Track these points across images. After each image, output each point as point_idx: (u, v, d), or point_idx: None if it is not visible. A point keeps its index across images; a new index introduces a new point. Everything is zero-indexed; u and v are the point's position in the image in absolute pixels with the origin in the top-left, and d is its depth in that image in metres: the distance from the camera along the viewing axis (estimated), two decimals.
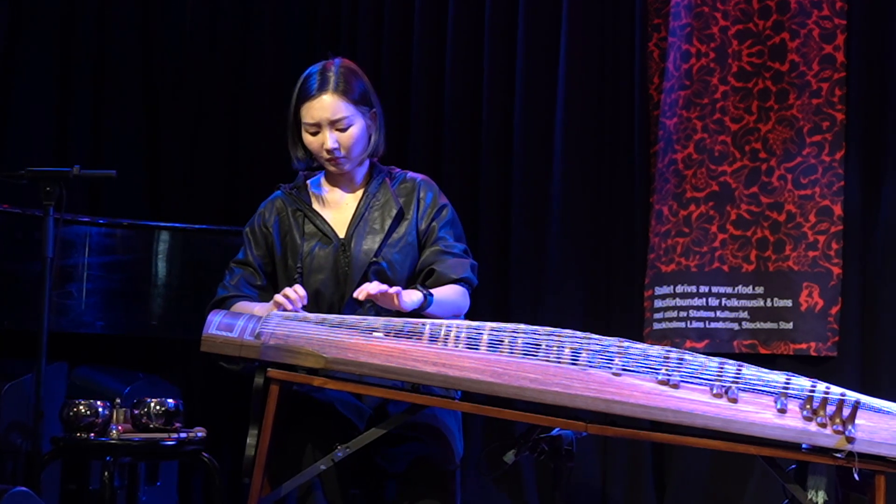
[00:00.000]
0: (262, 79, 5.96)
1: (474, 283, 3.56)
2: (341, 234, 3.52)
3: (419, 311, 3.32)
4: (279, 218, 3.56)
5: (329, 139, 3.46)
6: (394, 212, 3.52)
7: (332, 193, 3.60)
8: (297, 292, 3.26)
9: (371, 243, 3.49)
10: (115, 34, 5.93)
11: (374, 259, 3.46)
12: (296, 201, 3.56)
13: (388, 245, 3.50)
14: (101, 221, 4.89)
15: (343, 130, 3.48)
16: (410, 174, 3.64)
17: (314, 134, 3.49)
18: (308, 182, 3.62)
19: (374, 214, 3.53)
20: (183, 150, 5.96)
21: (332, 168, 3.53)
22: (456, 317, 3.44)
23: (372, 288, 3.23)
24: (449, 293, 3.45)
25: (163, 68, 6.00)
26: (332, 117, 3.46)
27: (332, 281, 3.46)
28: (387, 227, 3.51)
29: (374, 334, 3.07)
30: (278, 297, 3.25)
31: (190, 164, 5.95)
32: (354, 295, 3.26)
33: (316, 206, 3.57)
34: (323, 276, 3.45)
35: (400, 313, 3.27)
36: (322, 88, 3.47)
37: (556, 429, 3.15)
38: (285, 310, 3.21)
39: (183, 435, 4.27)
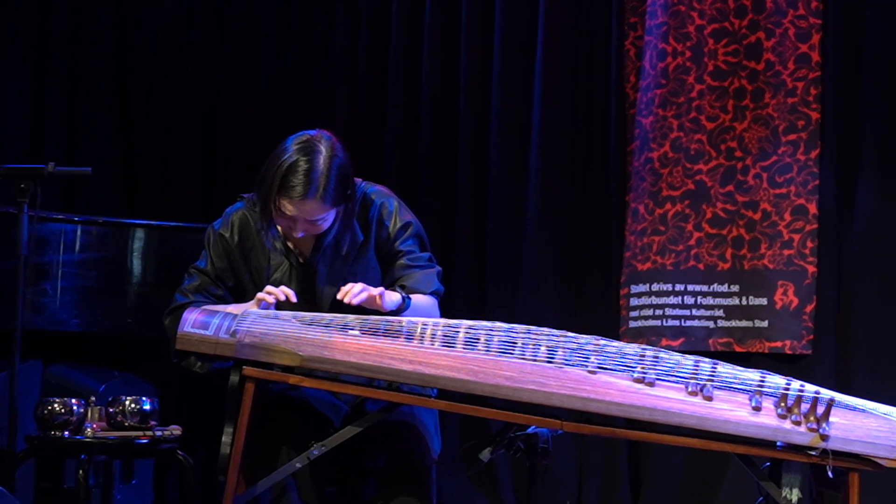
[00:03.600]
0: (237, 76, 5.95)
1: (442, 292, 3.56)
2: (305, 259, 3.49)
3: (396, 314, 3.32)
4: (241, 236, 3.51)
5: (299, 231, 3.39)
6: (357, 241, 3.48)
7: None
8: (285, 293, 3.25)
9: (335, 271, 3.45)
10: (91, 31, 5.90)
11: (339, 287, 3.38)
12: (259, 220, 3.48)
13: (353, 273, 3.46)
14: (76, 219, 4.87)
15: (315, 225, 3.39)
16: (371, 189, 3.56)
17: (284, 218, 3.37)
18: None
19: (337, 241, 3.47)
20: (158, 147, 5.93)
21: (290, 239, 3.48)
22: None
23: (356, 290, 3.23)
24: (423, 301, 3.46)
25: (138, 66, 5.97)
26: (309, 218, 3.36)
27: (300, 306, 3.40)
28: (350, 256, 3.48)
29: (350, 332, 3.07)
30: (261, 295, 3.25)
31: (165, 162, 5.93)
32: (338, 297, 3.25)
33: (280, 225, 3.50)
34: (289, 301, 3.41)
35: (377, 311, 3.27)
36: (307, 195, 3.31)
37: (532, 427, 3.15)
38: (266, 303, 3.21)
39: (158, 433, 4.26)
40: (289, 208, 3.33)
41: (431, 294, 3.50)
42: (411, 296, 3.40)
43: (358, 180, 3.53)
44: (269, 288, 3.27)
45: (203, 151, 5.95)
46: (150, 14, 5.98)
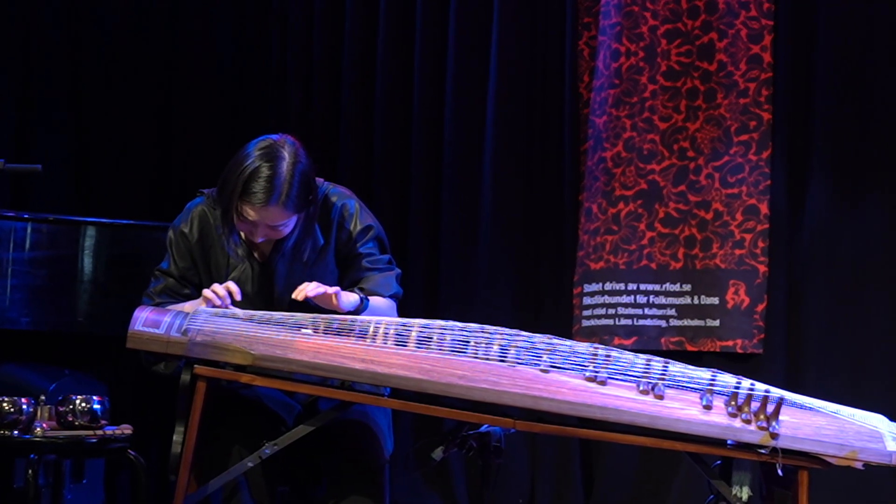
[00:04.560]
0: (191, 73, 5.92)
1: (401, 295, 3.55)
2: (263, 258, 3.47)
3: (354, 315, 3.31)
4: (202, 233, 3.49)
5: (259, 236, 3.37)
6: (318, 244, 3.47)
7: None
8: (228, 289, 3.24)
9: (294, 274, 3.44)
10: (42, 26, 5.85)
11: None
12: (218, 218, 3.45)
13: (312, 275, 3.44)
14: (25, 216, 4.82)
15: (276, 230, 3.37)
16: (333, 190, 3.54)
17: (245, 223, 3.35)
18: None
19: (297, 244, 3.45)
20: (112, 143, 5.89)
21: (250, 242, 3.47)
22: None
23: (310, 288, 3.22)
24: (381, 303, 3.46)
25: (91, 62, 5.93)
26: (270, 224, 3.33)
27: (257, 306, 3.39)
28: (310, 261, 3.47)
29: (303, 331, 3.06)
30: (207, 293, 3.23)
31: (119, 159, 5.89)
32: (293, 296, 3.24)
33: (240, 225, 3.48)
34: (247, 302, 3.39)
35: (333, 312, 3.26)
36: (269, 201, 3.27)
37: (485, 425, 3.15)
38: (214, 305, 3.19)
39: (108, 432, 4.23)
40: (251, 214, 3.30)
41: (390, 297, 3.50)
42: (370, 298, 3.40)
43: (319, 180, 3.50)
44: (214, 286, 3.24)
45: (157, 149, 5.92)
46: (103, 7, 5.93)
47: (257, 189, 3.26)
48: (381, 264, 3.52)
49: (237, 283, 3.40)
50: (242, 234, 3.44)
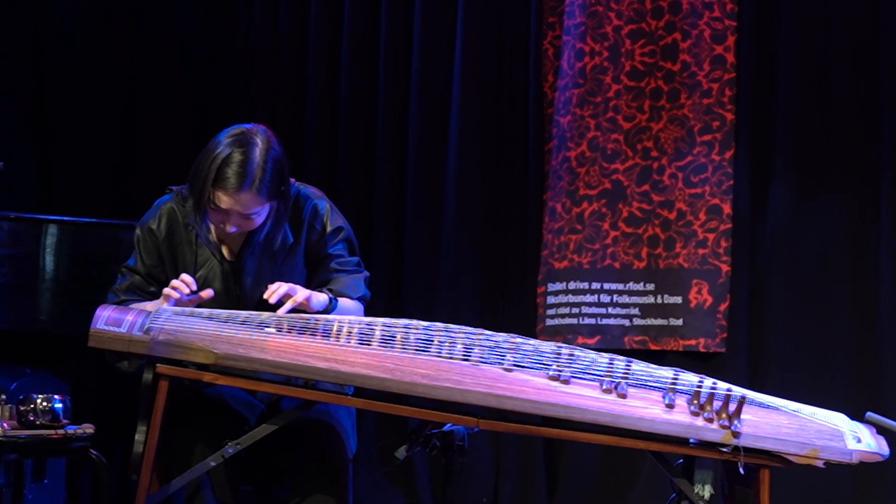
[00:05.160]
0: (156, 71, 5.88)
1: (369, 297, 3.55)
2: (232, 256, 3.46)
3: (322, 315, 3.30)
4: (170, 230, 3.47)
5: (231, 226, 3.34)
6: (287, 242, 3.46)
7: None
8: (184, 280, 3.22)
9: (262, 272, 3.43)
10: (3, 23, 5.81)
11: (266, 288, 3.36)
12: (187, 215, 3.45)
13: (280, 275, 3.43)
14: None
15: (249, 219, 3.35)
16: (304, 191, 3.53)
17: (219, 212, 3.33)
18: None
19: (266, 241, 3.45)
20: (75, 141, 5.85)
21: (222, 235, 3.44)
22: None
23: (283, 290, 3.21)
24: (349, 304, 3.45)
25: (54, 59, 5.88)
26: (243, 211, 3.31)
27: (224, 305, 3.38)
28: (279, 258, 3.46)
29: (267, 330, 3.05)
30: (167, 291, 3.22)
31: (82, 157, 5.85)
32: (265, 297, 3.23)
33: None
34: (215, 300, 3.38)
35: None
36: (243, 187, 3.26)
37: (449, 424, 3.15)
38: (175, 300, 3.18)
39: (70, 431, 4.21)
40: (224, 200, 3.28)
41: (358, 299, 3.50)
42: (338, 299, 3.39)
43: (291, 180, 3.49)
44: (173, 282, 3.23)
45: (121, 147, 5.88)
46: (66, 4, 5.89)
47: (230, 174, 3.25)
48: (350, 266, 3.52)
49: (205, 281, 3.40)
50: (213, 230, 3.43)
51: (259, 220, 3.36)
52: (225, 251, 3.47)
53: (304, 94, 5.66)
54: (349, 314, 3.38)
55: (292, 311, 3.21)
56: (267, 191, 3.30)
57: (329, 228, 3.51)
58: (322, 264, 3.50)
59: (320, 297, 3.32)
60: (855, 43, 5.00)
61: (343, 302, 3.42)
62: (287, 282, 3.33)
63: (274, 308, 3.23)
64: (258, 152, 3.29)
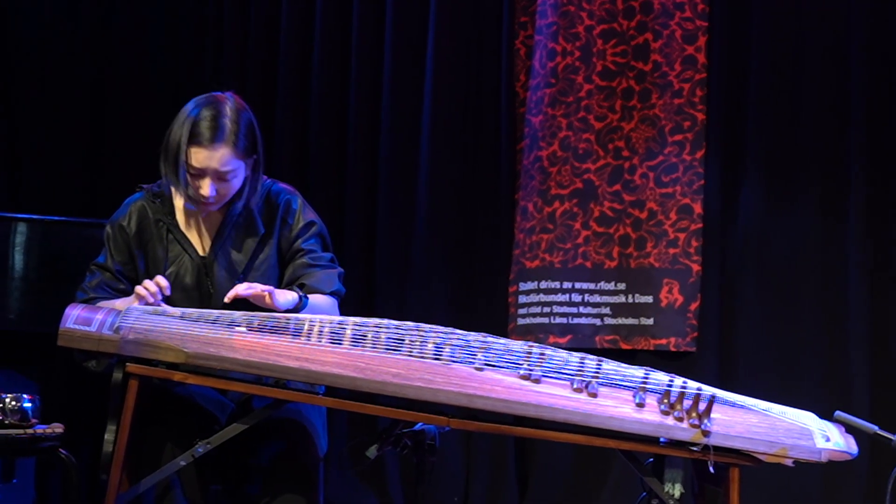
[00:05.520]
0: (125, 69, 5.86)
1: (343, 293, 3.54)
2: (203, 252, 3.46)
3: (293, 313, 3.29)
4: (140, 226, 3.46)
5: (208, 188, 3.34)
6: (258, 234, 3.46)
7: (195, 209, 3.51)
8: (158, 283, 3.21)
9: (234, 266, 3.44)
10: None
11: (237, 282, 3.37)
12: (158, 211, 3.46)
13: (253, 269, 3.44)
14: None
15: (225, 180, 3.36)
16: (276, 186, 3.55)
17: (195, 176, 3.34)
18: (171, 188, 3.53)
19: (237, 235, 3.45)
20: (43, 139, 5.82)
21: (197, 208, 3.43)
22: None
23: (241, 288, 3.20)
24: (322, 301, 3.44)
25: (21, 56, 5.85)
26: (220, 168, 3.32)
27: (195, 301, 3.39)
28: (250, 251, 3.46)
29: (237, 328, 3.04)
30: (139, 289, 3.20)
31: (50, 155, 5.82)
32: (225, 300, 3.22)
33: (179, 218, 3.48)
34: (185, 295, 3.38)
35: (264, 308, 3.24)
36: (216, 139, 3.30)
37: (419, 423, 3.15)
38: (146, 302, 3.16)
39: (39, 431, 4.18)
40: (198, 157, 3.31)
41: (332, 294, 3.49)
42: (310, 296, 3.38)
43: (263, 177, 3.52)
44: (145, 282, 3.22)
45: (90, 145, 5.85)
46: (34, 3, 5.86)
47: (203, 129, 3.31)
48: (324, 261, 3.51)
49: (175, 276, 3.40)
50: (182, 218, 3.43)
51: (235, 182, 3.38)
52: (196, 246, 3.46)
53: (274, 92, 5.64)
54: (322, 311, 3.38)
55: (260, 309, 3.21)
56: (242, 146, 3.35)
57: (301, 223, 3.51)
58: (295, 259, 3.50)
59: (289, 296, 3.31)
60: (825, 44, 5.03)
61: (315, 299, 3.41)
62: (259, 277, 3.36)
63: (244, 306, 3.23)
64: (229, 110, 3.36)
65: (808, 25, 5.04)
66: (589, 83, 5.15)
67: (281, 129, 5.61)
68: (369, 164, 5.51)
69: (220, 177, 3.34)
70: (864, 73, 4.97)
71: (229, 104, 3.38)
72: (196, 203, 3.39)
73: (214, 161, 3.31)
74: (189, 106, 3.38)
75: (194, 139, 3.30)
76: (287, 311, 3.27)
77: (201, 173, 3.33)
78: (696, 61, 5.08)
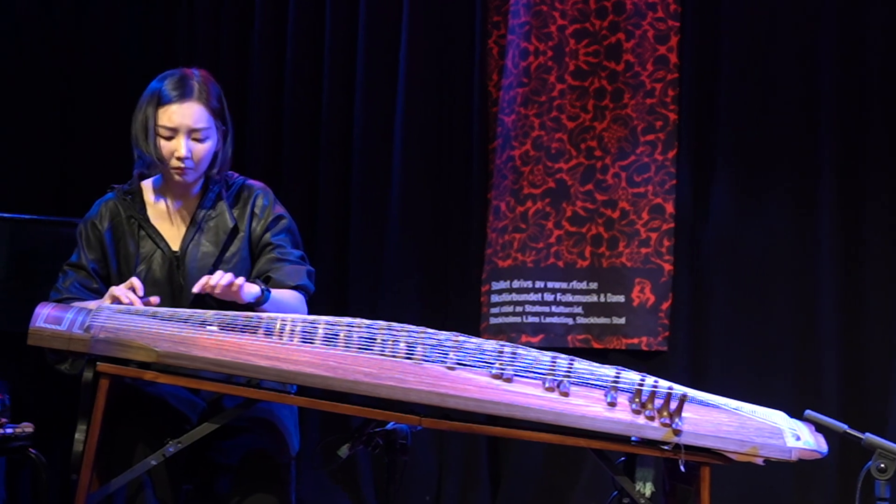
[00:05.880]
0: (96, 68, 5.83)
1: (311, 290, 3.54)
2: (175, 246, 3.47)
3: (254, 307, 3.29)
4: (112, 224, 3.48)
5: (183, 147, 3.38)
6: (228, 227, 3.47)
7: (166, 204, 3.53)
8: (132, 285, 3.21)
9: (206, 259, 3.44)
10: None
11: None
12: (129, 208, 3.49)
13: (223, 262, 3.45)
14: None
15: (199, 141, 3.40)
16: (248, 182, 3.58)
17: (168, 139, 3.39)
18: (142, 185, 3.55)
19: (208, 228, 3.47)
20: (12, 137, 5.79)
21: (175, 177, 3.44)
22: None
23: (213, 280, 3.19)
24: (286, 296, 3.44)
25: None
26: (192, 125, 3.38)
27: (167, 296, 3.40)
28: (221, 244, 3.47)
29: (208, 328, 3.03)
30: (114, 290, 3.20)
31: (20, 153, 5.79)
32: (193, 290, 3.22)
33: (150, 213, 3.51)
34: (157, 290, 3.39)
35: (235, 307, 3.24)
36: (186, 95, 3.39)
37: (391, 423, 3.15)
38: (120, 303, 3.16)
39: (9, 430, 4.17)
40: (170, 116, 3.37)
41: (298, 288, 3.48)
42: (273, 290, 3.38)
43: (234, 174, 3.57)
44: (119, 288, 3.22)
45: (60, 143, 5.82)
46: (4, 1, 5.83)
47: (170, 90, 3.40)
48: (293, 258, 3.52)
49: (147, 271, 3.41)
50: (153, 216, 3.44)
51: (209, 146, 3.42)
52: (168, 240, 3.47)
53: (245, 97, 5.62)
54: (286, 305, 3.38)
55: (227, 306, 3.21)
56: (211, 106, 3.42)
57: (271, 216, 3.54)
58: (264, 253, 3.51)
59: (252, 289, 3.30)
60: (796, 44, 5.05)
61: (279, 293, 3.40)
62: (230, 270, 3.36)
63: (209, 302, 3.23)
64: (196, 74, 3.46)
65: (779, 25, 5.07)
66: (561, 83, 5.15)
67: (253, 129, 5.60)
68: (342, 163, 5.50)
69: (193, 135, 3.40)
70: (834, 73, 4.99)
71: (195, 72, 3.47)
72: (176, 171, 3.42)
73: (187, 118, 3.38)
74: (153, 81, 3.47)
75: (163, 101, 3.39)
76: (249, 303, 3.27)
77: (174, 132, 3.39)
78: (668, 61, 5.09)
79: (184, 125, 3.38)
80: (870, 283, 4.94)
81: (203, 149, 3.42)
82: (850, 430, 2.78)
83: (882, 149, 4.96)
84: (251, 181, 3.60)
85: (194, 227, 3.47)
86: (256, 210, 3.53)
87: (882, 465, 2.70)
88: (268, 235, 3.51)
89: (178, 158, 3.39)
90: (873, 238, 4.95)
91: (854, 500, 2.76)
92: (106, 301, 3.22)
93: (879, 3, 4.98)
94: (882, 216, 4.94)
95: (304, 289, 3.51)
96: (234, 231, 3.49)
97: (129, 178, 3.56)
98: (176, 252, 3.46)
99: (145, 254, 3.45)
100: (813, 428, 3.00)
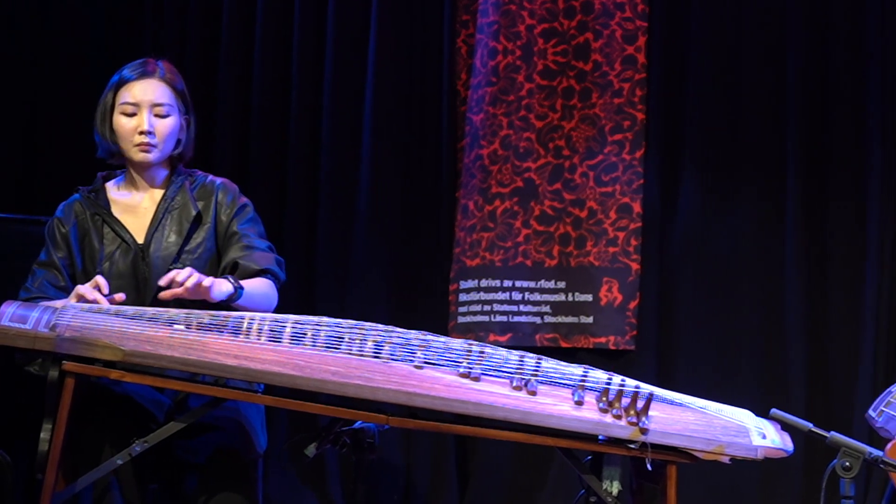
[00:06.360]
0: (60, 65, 5.78)
1: (282, 277, 3.54)
2: (140, 239, 3.47)
3: (228, 303, 3.29)
4: (77, 222, 3.51)
5: (146, 121, 3.44)
6: (192, 215, 3.49)
7: (130, 198, 3.55)
8: (97, 283, 3.20)
9: (169, 248, 3.45)
10: None
11: (173, 265, 3.42)
12: (94, 205, 3.52)
13: (187, 251, 3.47)
14: None
15: (161, 117, 3.48)
16: (211, 177, 3.62)
17: (131, 115, 3.46)
18: (106, 185, 3.57)
19: (172, 219, 3.49)
20: None
21: (139, 155, 3.47)
22: (266, 311, 3.42)
23: (180, 277, 3.18)
24: (258, 285, 3.43)
25: None
26: (154, 100, 3.47)
27: (131, 287, 3.40)
28: (185, 232, 3.48)
29: (175, 326, 3.02)
30: (80, 289, 3.19)
31: None
32: (159, 283, 3.21)
33: (114, 210, 3.53)
34: (122, 283, 3.40)
35: (203, 305, 3.23)
36: (148, 74, 3.50)
37: (359, 422, 3.15)
38: (86, 301, 3.15)
39: None
40: (133, 92, 3.46)
41: (267, 272, 3.47)
42: (244, 283, 3.36)
43: (199, 171, 3.62)
44: (84, 288, 3.21)
45: (24, 141, 5.78)
46: None
47: (132, 70, 3.52)
48: (262, 248, 3.53)
49: (111, 264, 3.42)
50: (118, 210, 3.47)
51: (172, 124, 3.49)
52: (133, 232, 3.47)
53: (214, 95, 5.59)
54: (260, 294, 3.38)
55: (194, 303, 3.20)
56: (173, 84, 3.52)
57: (237, 206, 3.57)
58: (231, 242, 3.51)
59: (222, 287, 3.29)
60: (763, 45, 5.08)
61: (251, 285, 3.39)
62: (195, 262, 3.41)
63: (181, 303, 3.22)
64: (157, 61, 3.56)
65: (746, 26, 5.09)
66: (530, 82, 5.16)
67: (221, 125, 5.57)
68: (311, 161, 5.48)
69: (156, 111, 3.47)
70: (799, 73, 5.02)
71: (159, 61, 3.56)
72: (139, 147, 3.46)
73: (149, 93, 3.47)
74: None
75: (125, 80, 3.49)
76: (222, 301, 3.27)
77: (136, 108, 3.47)
78: (636, 61, 5.11)
79: (146, 100, 3.46)
80: (835, 283, 4.97)
81: (166, 124, 3.48)
82: (815, 429, 2.80)
83: (846, 149, 4.99)
84: (214, 177, 3.63)
85: (158, 217, 3.50)
86: (221, 200, 3.56)
87: (847, 464, 2.71)
88: (234, 224, 3.53)
89: (142, 133, 3.46)
90: (838, 237, 4.99)
91: (819, 498, 2.78)
92: (72, 300, 3.21)
93: (843, 3, 5.02)
94: (846, 216, 4.98)
95: (273, 274, 3.50)
96: (198, 220, 3.51)
97: (95, 175, 3.59)
98: (141, 244, 3.47)
99: (110, 248, 3.46)
100: (779, 426, 3.01)
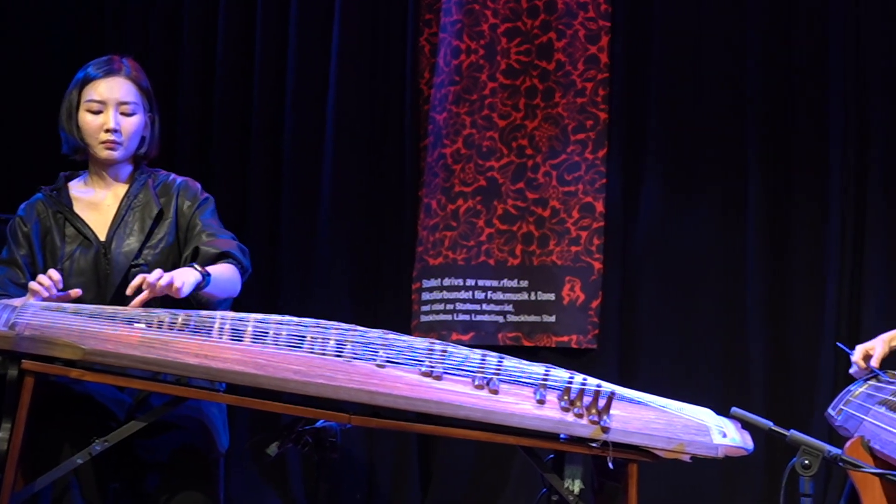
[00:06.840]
0: (19, 64, 5.74)
1: (246, 265, 3.52)
2: (102, 236, 3.47)
3: (196, 292, 3.27)
4: (39, 221, 3.50)
5: (112, 119, 3.46)
6: (154, 212, 3.50)
7: (93, 195, 3.55)
8: (51, 277, 3.18)
9: (131, 245, 3.45)
10: None
11: (135, 262, 3.43)
12: (56, 203, 3.51)
13: (149, 247, 3.47)
14: None
15: (127, 115, 3.49)
16: (174, 176, 3.63)
17: (97, 112, 3.47)
18: (69, 184, 3.56)
19: (134, 215, 3.50)
20: None
21: (105, 153, 3.47)
22: (230, 296, 3.45)
23: (151, 278, 3.16)
24: (222, 270, 3.43)
25: None
26: (120, 98, 3.48)
27: (92, 284, 3.40)
28: (147, 228, 3.48)
29: (136, 325, 3.01)
30: (32, 284, 3.17)
31: None
32: (127, 293, 3.19)
33: (77, 208, 3.52)
34: (83, 280, 3.39)
35: (166, 300, 3.21)
36: (114, 72, 3.50)
37: (321, 421, 3.15)
38: (41, 297, 3.13)
39: None
40: (98, 90, 3.47)
41: (227, 256, 3.46)
42: (210, 270, 3.34)
43: (161, 170, 3.63)
44: (39, 278, 3.20)
45: None
46: None
47: (97, 68, 3.52)
48: (226, 237, 3.53)
49: (72, 262, 3.41)
50: (80, 209, 3.46)
51: (137, 122, 3.50)
52: (95, 229, 3.47)
53: (175, 91, 5.56)
54: (224, 279, 3.37)
55: (162, 300, 3.19)
56: (138, 82, 3.53)
57: (199, 200, 3.58)
58: (194, 234, 3.51)
59: (189, 278, 3.27)
60: (724, 45, 5.11)
61: (216, 272, 3.37)
62: (157, 258, 3.42)
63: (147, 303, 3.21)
64: (121, 58, 3.57)
65: (708, 26, 5.12)
66: (493, 81, 5.16)
67: (183, 123, 5.54)
68: (273, 161, 5.46)
69: (122, 109, 3.48)
70: (761, 73, 5.06)
71: (123, 58, 3.57)
72: (104, 145, 3.47)
73: (115, 91, 3.48)
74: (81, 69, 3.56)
75: (90, 78, 3.50)
76: (192, 292, 3.25)
77: (103, 105, 3.47)
78: (599, 61, 5.12)
79: (112, 98, 3.47)
80: (796, 282, 5.01)
81: (132, 122, 3.49)
82: (775, 427, 2.81)
83: (807, 149, 5.03)
84: (177, 175, 3.64)
85: (120, 214, 3.50)
86: (182, 195, 3.57)
87: (806, 462, 2.73)
88: (196, 216, 3.54)
89: (107, 131, 3.46)
90: (798, 236, 5.02)
91: (780, 496, 2.79)
92: (28, 298, 3.19)
93: (806, 6, 5.05)
94: (806, 214, 5.02)
95: (235, 259, 3.48)
96: (160, 216, 3.51)
97: (58, 175, 3.60)
98: (103, 241, 3.46)
99: (71, 246, 3.45)
100: (739, 425, 3.03)
